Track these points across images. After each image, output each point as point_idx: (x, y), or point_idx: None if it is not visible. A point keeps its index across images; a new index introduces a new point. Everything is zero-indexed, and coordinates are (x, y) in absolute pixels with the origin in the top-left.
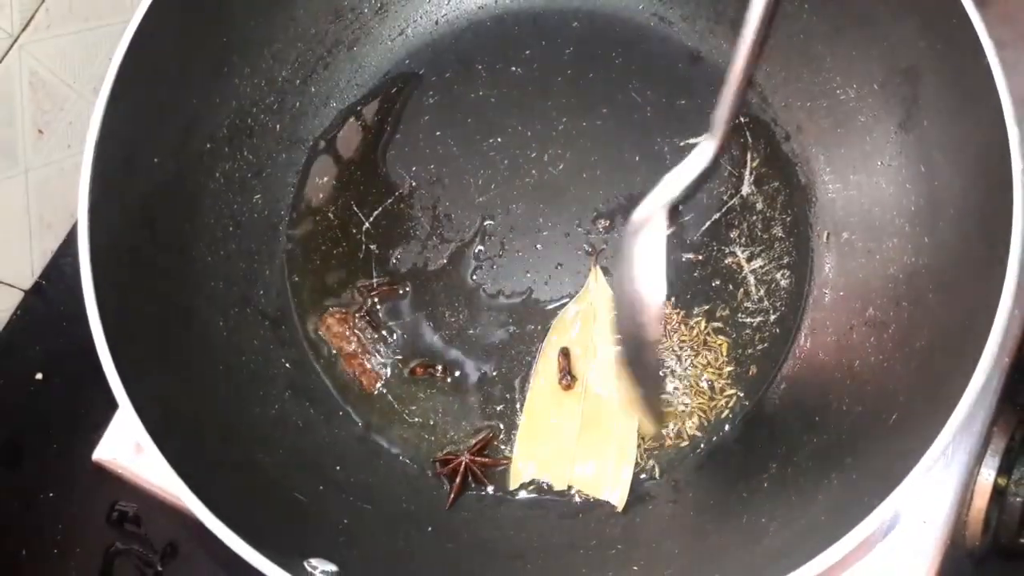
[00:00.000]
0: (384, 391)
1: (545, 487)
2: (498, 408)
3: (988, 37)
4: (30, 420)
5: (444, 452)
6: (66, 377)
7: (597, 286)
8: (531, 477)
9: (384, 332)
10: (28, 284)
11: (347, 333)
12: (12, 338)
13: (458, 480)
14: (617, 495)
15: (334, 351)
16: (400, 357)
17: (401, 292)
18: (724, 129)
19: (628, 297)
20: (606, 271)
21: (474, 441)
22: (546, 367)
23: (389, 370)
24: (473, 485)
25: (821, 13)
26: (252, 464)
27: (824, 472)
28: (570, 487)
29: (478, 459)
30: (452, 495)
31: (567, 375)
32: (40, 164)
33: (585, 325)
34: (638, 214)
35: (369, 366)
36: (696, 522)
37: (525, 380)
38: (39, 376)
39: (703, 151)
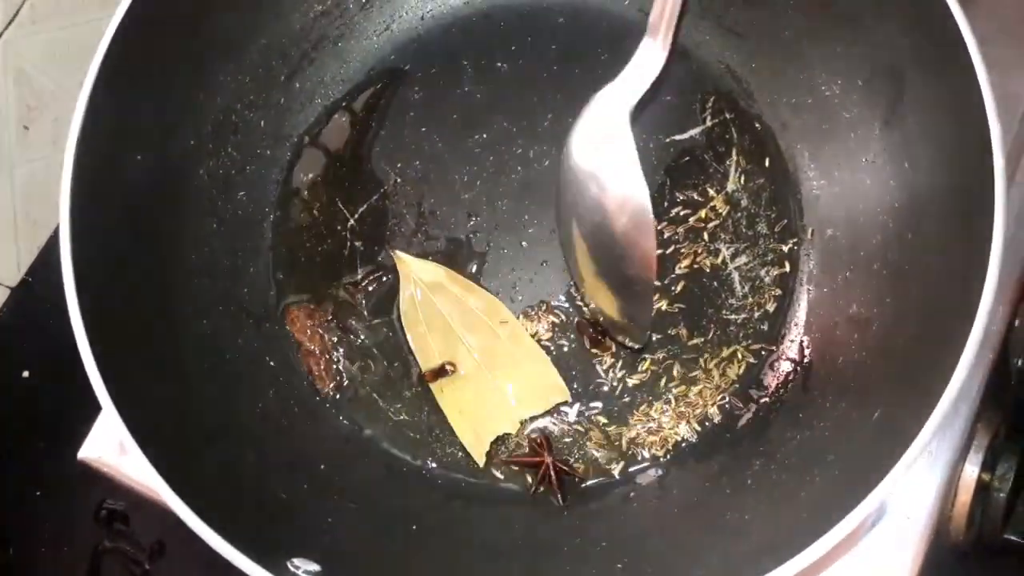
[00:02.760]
0: (368, 389)
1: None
2: None
3: (971, 34)
4: (17, 418)
5: (511, 452)
6: (53, 375)
7: (408, 267)
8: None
9: (354, 334)
10: (14, 281)
11: (308, 329)
12: None
13: (540, 476)
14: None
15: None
16: (362, 363)
17: (385, 279)
18: (668, 33)
19: (602, 207)
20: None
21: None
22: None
23: (346, 374)
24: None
25: (806, 10)
26: (236, 463)
27: (807, 469)
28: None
29: (559, 466)
30: (534, 488)
31: (598, 337)
32: (25, 161)
33: (430, 303)
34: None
35: (325, 366)
36: (680, 520)
37: None
38: (26, 374)
39: (647, 58)
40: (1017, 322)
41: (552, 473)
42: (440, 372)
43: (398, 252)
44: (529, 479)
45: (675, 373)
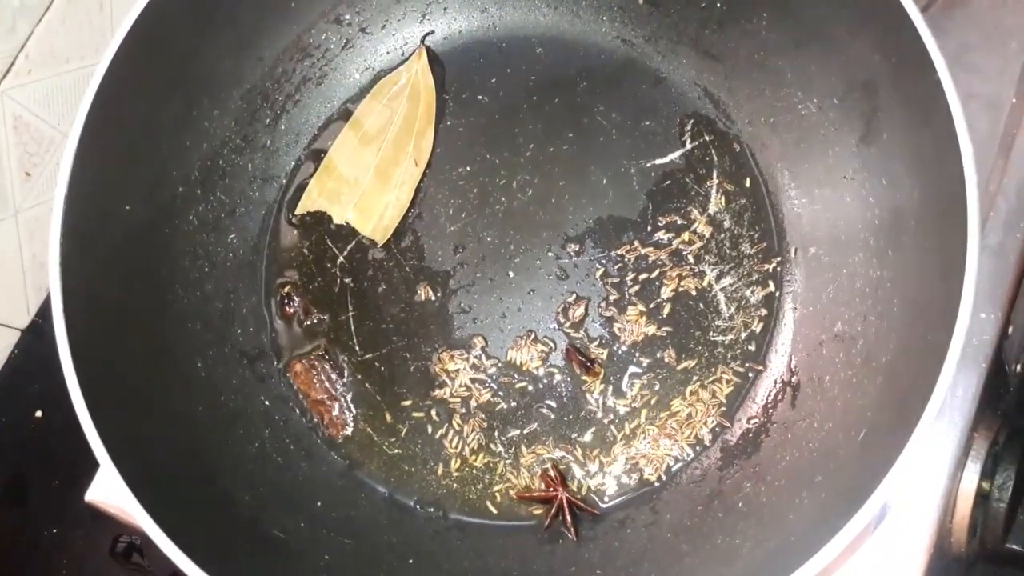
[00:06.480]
0: (363, 425)
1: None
2: (468, 436)
3: (938, 50)
4: (32, 457)
5: (522, 488)
6: (66, 413)
7: (421, 65)
8: (317, 207)
9: (347, 371)
10: (24, 323)
11: (313, 380)
12: (11, 377)
13: (553, 511)
14: (378, 234)
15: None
16: (356, 399)
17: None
18: None
19: None
20: (432, 55)
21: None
22: (365, 116)
23: (353, 418)
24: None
25: (779, 29)
26: (233, 504)
27: (795, 491)
28: (346, 222)
29: (574, 500)
30: (548, 522)
31: (587, 364)
32: (29, 205)
33: (412, 101)
34: None
35: (335, 413)
36: (672, 544)
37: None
38: (39, 414)
39: None
40: (1011, 329)
41: (566, 507)
42: None
43: None
44: (535, 512)
45: (665, 396)
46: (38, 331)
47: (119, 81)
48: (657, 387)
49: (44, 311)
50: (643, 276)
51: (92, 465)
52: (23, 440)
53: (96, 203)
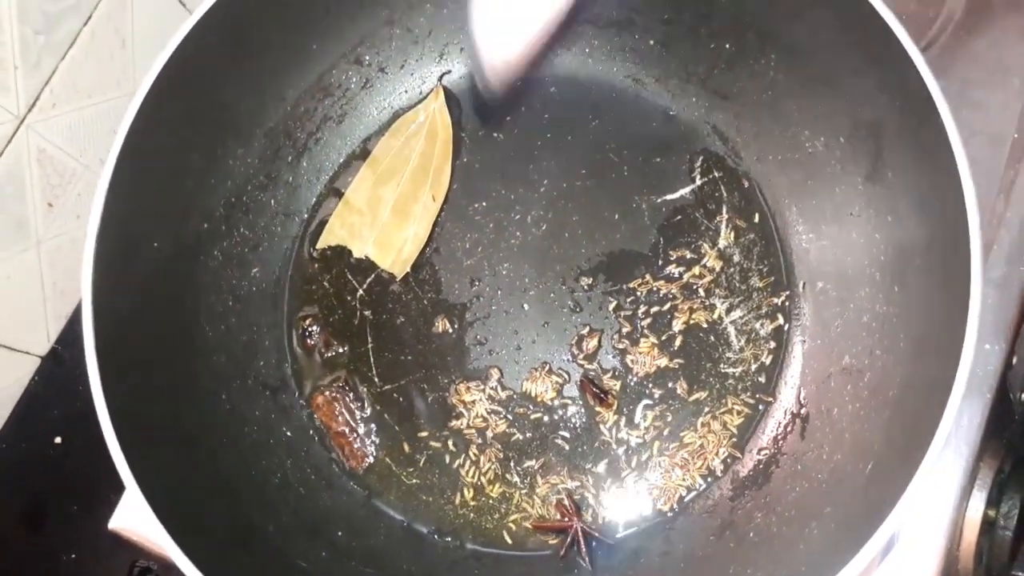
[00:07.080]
0: (382, 455)
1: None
2: (484, 467)
3: (941, 93)
4: (51, 483)
5: (537, 519)
6: (84, 440)
7: (438, 104)
8: (338, 241)
9: (366, 402)
10: (44, 350)
11: (335, 413)
12: (31, 403)
13: (568, 541)
14: (397, 268)
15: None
16: (376, 429)
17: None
18: None
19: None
20: (449, 94)
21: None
22: (384, 154)
23: (373, 449)
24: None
25: (787, 70)
26: (256, 533)
27: (805, 521)
28: (365, 256)
29: (589, 530)
30: (563, 552)
31: (601, 395)
32: (51, 235)
33: (430, 139)
34: None
35: (356, 445)
36: (686, 574)
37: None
38: (58, 440)
39: None
40: (1015, 359)
41: (581, 537)
42: None
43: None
44: (550, 541)
45: (677, 427)
46: (58, 358)
47: (148, 122)
48: (669, 418)
49: (63, 339)
50: (655, 309)
51: (110, 491)
52: (41, 466)
53: (125, 240)
